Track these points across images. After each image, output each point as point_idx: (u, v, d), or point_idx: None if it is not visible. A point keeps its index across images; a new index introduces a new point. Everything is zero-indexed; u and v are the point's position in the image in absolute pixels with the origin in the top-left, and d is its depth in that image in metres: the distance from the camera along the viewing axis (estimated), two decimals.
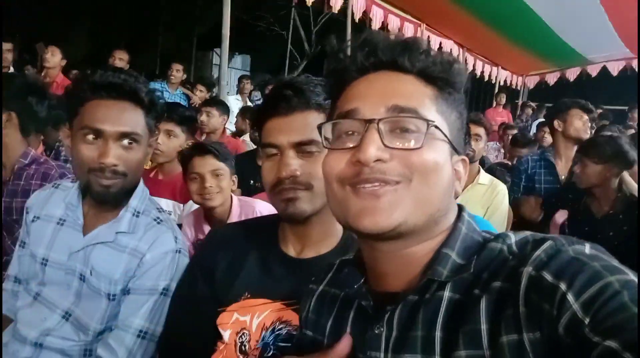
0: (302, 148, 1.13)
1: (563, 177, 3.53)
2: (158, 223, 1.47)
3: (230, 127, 5.88)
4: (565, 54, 9.83)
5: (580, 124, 3.46)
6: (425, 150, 0.73)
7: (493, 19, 7.85)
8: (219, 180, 2.20)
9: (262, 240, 1.26)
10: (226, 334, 1.18)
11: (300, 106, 1.14)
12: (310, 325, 0.94)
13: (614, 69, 10.21)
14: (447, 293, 0.73)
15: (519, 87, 11.58)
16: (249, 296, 1.18)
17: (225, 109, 4.31)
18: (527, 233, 0.75)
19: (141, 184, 1.50)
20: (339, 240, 1.22)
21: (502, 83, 11.30)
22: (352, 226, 0.76)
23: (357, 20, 7.06)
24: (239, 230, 1.33)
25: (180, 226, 2.39)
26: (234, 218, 2.22)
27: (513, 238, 0.75)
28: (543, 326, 0.62)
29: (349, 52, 0.82)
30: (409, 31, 8.11)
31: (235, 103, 6.90)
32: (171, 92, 5.96)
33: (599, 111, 9.10)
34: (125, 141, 1.37)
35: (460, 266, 0.75)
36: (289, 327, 1.14)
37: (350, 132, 0.77)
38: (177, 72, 6.10)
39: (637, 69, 9.59)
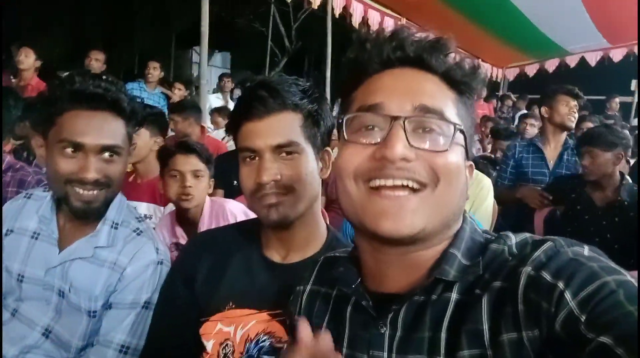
0: (281, 150, 1.10)
1: (551, 162, 3.56)
2: (138, 234, 1.42)
3: (212, 126, 5.81)
4: (544, 46, 9.90)
5: (566, 111, 3.45)
6: (450, 154, 0.73)
7: (472, 12, 7.87)
8: (198, 181, 2.15)
9: (244, 245, 1.22)
10: (209, 345, 1.15)
11: (276, 107, 1.10)
12: None
13: (592, 59, 10.28)
14: (454, 295, 0.73)
15: (499, 80, 11.65)
16: (233, 306, 1.14)
17: (188, 110, 4.18)
18: (527, 234, 0.76)
19: (119, 195, 1.45)
20: (324, 242, 1.20)
21: None
22: (370, 228, 0.73)
23: (337, 16, 7.03)
24: (220, 236, 1.28)
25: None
26: (206, 218, 2.19)
27: (513, 239, 0.75)
28: (541, 324, 0.63)
29: (374, 43, 0.80)
30: (389, 26, 8.07)
31: (216, 101, 6.84)
32: (149, 92, 5.85)
33: (615, 101, 9.25)
34: (107, 154, 1.31)
35: (466, 266, 0.75)
36: (272, 339, 1.11)
37: (370, 127, 0.75)
38: (155, 70, 5.98)
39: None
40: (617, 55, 10.01)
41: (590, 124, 5.45)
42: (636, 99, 9.99)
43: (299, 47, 18.64)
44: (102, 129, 1.30)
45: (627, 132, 2.81)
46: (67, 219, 1.40)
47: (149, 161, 2.65)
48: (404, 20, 8.41)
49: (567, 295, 0.61)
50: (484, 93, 9.74)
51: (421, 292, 0.75)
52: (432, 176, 0.72)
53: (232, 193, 3.10)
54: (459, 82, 0.78)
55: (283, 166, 1.09)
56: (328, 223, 1.27)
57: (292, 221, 1.13)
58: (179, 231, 2.23)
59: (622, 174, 2.83)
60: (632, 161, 4.23)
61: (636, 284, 0.60)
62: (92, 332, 1.35)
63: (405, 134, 0.71)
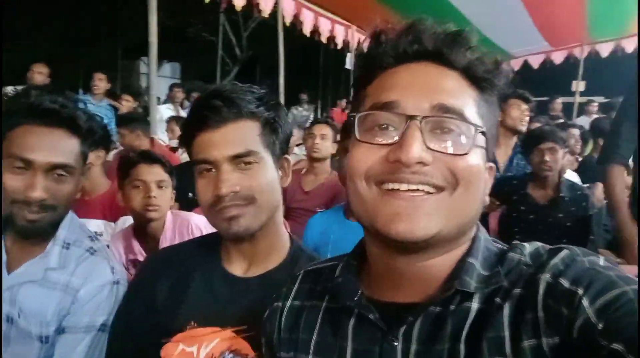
0: (239, 160, 1.05)
1: (502, 165, 3.61)
2: (92, 253, 1.35)
3: (163, 137, 5.67)
4: (488, 50, 10.18)
5: (518, 114, 3.51)
6: (470, 157, 0.68)
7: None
8: (162, 192, 2.08)
9: (204, 261, 1.17)
10: None
11: (231, 116, 1.06)
12: (285, 345, 0.86)
13: (535, 62, 10.69)
14: (474, 305, 0.70)
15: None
16: (195, 325, 1.10)
17: (135, 123, 4.13)
18: (538, 244, 0.74)
19: (70, 213, 1.38)
20: (288, 253, 1.17)
21: None
22: (382, 231, 0.69)
23: (287, 24, 7.03)
24: (179, 252, 1.24)
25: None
26: (168, 233, 2.12)
27: (527, 248, 0.73)
28: (560, 330, 0.62)
29: (390, 35, 0.75)
30: (339, 33, 8.18)
31: (166, 112, 6.70)
32: (96, 104, 5.68)
33: (557, 103, 9.60)
34: (56, 173, 1.25)
35: (486, 277, 0.71)
36: (238, 356, 1.07)
37: (384, 126, 0.70)
38: (100, 81, 5.83)
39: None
40: (558, 57, 10.45)
41: (537, 124, 5.67)
42: (577, 100, 10.41)
43: (251, 56, 18.58)
44: (54, 146, 1.24)
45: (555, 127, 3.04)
46: (15, 240, 1.32)
47: (94, 177, 2.56)
48: (354, 29, 8.52)
49: (585, 302, 0.60)
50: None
51: (438, 303, 0.71)
52: (450, 179, 0.68)
53: (188, 206, 3.03)
54: (481, 79, 0.72)
55: (242, 177, 1.05)
56: (288, 230, 1.24)
57: (254, 233, 1.09)
58: (137, 246, 2.14)
59: (559, 172, 2.96)
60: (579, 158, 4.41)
61: None
62: None
63: (422, 135, 0.67)
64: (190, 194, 3.25)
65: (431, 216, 0.67)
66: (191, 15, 16.76)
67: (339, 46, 8.51)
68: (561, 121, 6.55)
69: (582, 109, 9.93)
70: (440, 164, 0.67)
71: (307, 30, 7.41)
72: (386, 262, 0.76)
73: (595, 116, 9.00)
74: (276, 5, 6.61)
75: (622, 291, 0.60)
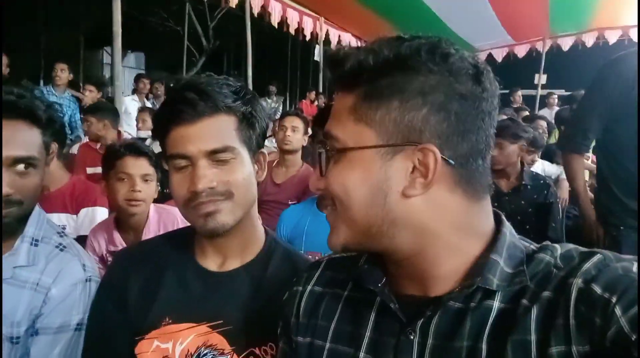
0: (216, 156, 1.03)
1: None
2: (61, 250, 1.31)
3: (129, 129, 5.57)
4: (458, 44, 10.32)
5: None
6: (328, 176, 0.75)
7: (385, 10, 8.05)
8: (147, 186, 2.04)
9: (177, 255, 1.15)
10: None
11: (208, 111, 1.02)
12: (303, 330, 0.86)
13: (499, 56, 10.89)
14: (496, 303, 0.69)
15: None
16: (170, 321, 1.08)
17: (104, 112, 4.03)
18: (571, 245, 0.73)
19: (37, 208, 1.33)
20: (263, 246, 1.16)
21: None
22: None
23: (255, 15, 6.97)
24: (150, 247, 1.21)
25: (79, 238, 2.25)
26: (152, 226, 2.08)
27: (559, 250, 0.72)
28: (593, 338, 0.60)
29: None
30: (308, 25, 8.16)
31: (132, 104, 6.55)
32: (58, 95, 5.51)
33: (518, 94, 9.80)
34: (20, 167, 1.20)
35: (510, 275, 0.70)
36: (214, 352, 1.06)
37: None
38: (62, 72, 5.62)
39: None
40: (521, 51, 10.67)
41: (503, 116, 5.81)
42: (539, 92, 10.67)
43: (217, 47, 18.33)
44: (14, 139, 1.18)
45: (506, 120, 3.12)
46: None
47: (52, 170, 2.49)
48: (322, 20, 8.52)
49: (618, 311, 0.59)
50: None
51: (458, 298, 0.71)
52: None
53: (162, 199, 3.00)
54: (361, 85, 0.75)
55: (219, 172, 1.03)
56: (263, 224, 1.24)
57: (230, 229, 1.07)
58: (118, 238, 2.10)
59: (522, 162, 3.09)
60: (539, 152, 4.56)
61: None
62: None
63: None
64: (166, 190, 3.22)
65: (333, 231, 0.77)
66: (155, 3, 16.44)
67: (307, 38, 8.49)
68: (527, 113, 6.70)
69: (543, 102, 10.19)
70: None
71: (275, 21, 7.36)
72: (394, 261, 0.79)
73: (556, 108, 9.26)
74: None
75: None
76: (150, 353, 1.08)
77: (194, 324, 1.07)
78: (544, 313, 0.65)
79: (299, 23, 7.94)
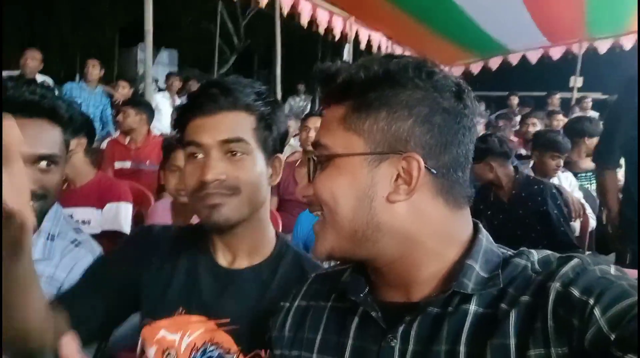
0: (229, 146, 1.05)
1: None
2: (76, 245, 1.35)
3: (158, 125, 5.65)
4: (488, 45, 10.19)
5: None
6: (316, 182, 0.78)
7: (418, 11, 7.99)
8: None
9: (193, 247, 1.17)
10: (151, 351, 1.09)
11: (227, 106, 1.06)
12: (287, 344, 0.88)
13: (533, 57, 10.67)
14: (472, 307, 0.71)
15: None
16: (183, 312, 1.09)
17: (143, 107, 4.16)
18: (548, 251, 0.75)
19: (55, 204, 1.37)
20: (274, 249, 1.16)
21: None
22: None
23: (285, 15, 7.00)
24: (170, 234, 1.22)
25: (99, 235, 2.31)
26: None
27: (536, 255, 0.74)
28: (571, 341, 0.62)
29: None
30: (337, 25, 8.14)
31: (162, 101, 6.66)
32: (90, 91, 5.63)
33: (514, 98, 9.60)
34: (43, 164, 1.24)
35: (485, 279, 0.73)
36: (219, 350, 1.06)
37: None
38: (94, 68, 5.74)
39: None
40: (556, 53, 10.43)
41: (535, 120, 5.62)
42: (575, 95, 10.42)
43: (248, 45, 18.50)
44: (38, 138, 1.23)
45: (492, 141, 2.98)
46: None
47: (78, 165, 2.55)
48: (352, 20, 8.49)
49: (597, 312, 0.60)
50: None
51: (436, 303, 0.73)
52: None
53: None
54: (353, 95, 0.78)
55: (230, 166, 1.05)
56: (280, 223, 1.24)
57: (234, 225, 1.08)
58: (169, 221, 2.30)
59: (516, 168, 3.01)
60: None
61: None
62: None
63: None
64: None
65: (321, 240, 0.79)
66: (189, 2, 16.69)
67: (337, 38, 8.47)
68: (560, 116, 6.50)
69: (579, 105, 9.94)
70: None
71: (304, 21, 7.37)
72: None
73: (590, 112, 9.01)
74: None
75: (634, 301, 0.60)
76: (155, 341, 1.08)
77: (205, 318, 1.08)
78: (523, 317, 0.67)
79: (329, 23, 7.92)
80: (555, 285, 0.66)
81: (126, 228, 2.54)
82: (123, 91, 6.13)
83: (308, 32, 8.25)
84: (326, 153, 0.76)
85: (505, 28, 9.07)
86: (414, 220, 0.74)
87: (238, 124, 1.06)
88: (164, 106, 6.42)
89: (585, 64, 10.31)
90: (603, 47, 9.77)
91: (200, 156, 1.06)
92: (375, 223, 0.74)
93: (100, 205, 2.55)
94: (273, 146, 1.12)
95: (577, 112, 9.15)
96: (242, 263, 1.14)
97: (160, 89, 8.09)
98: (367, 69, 0.74)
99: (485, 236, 0.79)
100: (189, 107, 1.10)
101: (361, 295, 0.80)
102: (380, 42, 9.52)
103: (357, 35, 8.77)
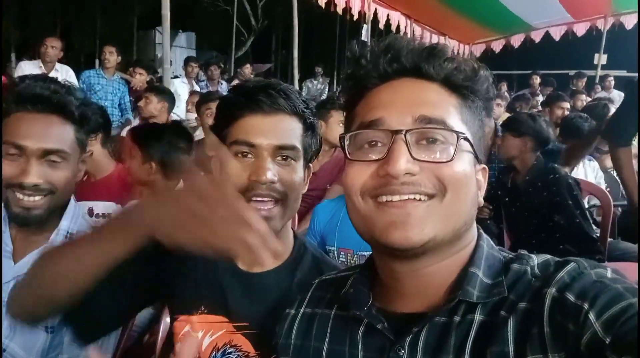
0: (281, 152, 1.05)
1: None
2: None
3: (177, 111, 5.67)
4: (509, 22, 9.97)
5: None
6: (456, 163, 0.72)
7: None
8: None
9: None
10: (178, 346, 1.10)
11: (286, 108, 1.06)
12: (295, 352, 0.88)
13: (556, 34, 10.41)
14: (477, 316, 0.71)
15: (466, 56, 11.77)
16: (205, 310, 1.09)
17: (166, 96, 4.17)
18: (548, 256, 0.75)
19: (72, 202, 1.38)
20: (292, 250, 1.16)
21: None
22: (380, 241, 0.73)
23: None
24: None
25: None
26: None
27: (535, 259, 0.74)
28: (568, 345, 0.62)
29: (369, 57, 0.78)
30: (355, 4, 8.02)
31: (181, 86, 6.66)
32: (108, 78, 5.62)
33: (536, 78, 9.33)
34: (51, 158, 1.25)
35: (489, 286, 0.73)
36: (238, 352, 1.07)
37: (373, 143, 0.75)
38: (111, 55, 5.67)
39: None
40: (580, 29, 10.16)
41: (566, 105, 5.26)
42: (599, 73, 10.15)
43: (266, 27, 18.37)
44: (45, 132, 1.25)
45: (542, 123, 2.91)
46: (18, 230, 1.33)
47: (96, 159, 2.55)
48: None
49: (592, 317, 0.60)
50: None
51: (442, 313, 0.73)
52: (439, 187, 0.71)
53: None
54: (461, 87, 0.76)
55: (280, 170, 1.05)
56: (296, 221, 1.23)
57: (279, 231, 1.08)
58: None
59: (538, 156, 2.93)
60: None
61: None
62: (50, 348, 1.29)
63: (408, 148, 0.71)
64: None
65: (424, 222, 0.70)
66: None
67: (355, 17, 8.35)
68: (584, 96, 6.30)
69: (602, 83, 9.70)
70: (428, 172, 0.71)
71: (322, 1, 7.27)
72: (391, 272, 0.78)
73: (613, 91, 8.76)
74: None
75: (629, 304, 0.60)
76: (180, 335, 1.10)
77: (226, 320, 1.08)
78: (520, 323, 0.67)
79: (347, 2, 7.80)
80: (551, 291, 0.66)
81: None
82: (141, 77, 6.13)
83: (326, 12, 8.14)
84: (462, 135, 0.73)
85: (527, 4, 8.86)
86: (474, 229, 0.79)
87: (293, 129, 1.07)
88: (183, 91, 6.41)
89: (610, 41, 10.02)
90: (629, 22, 9.45)
91: (250, 156, 1.05)
92: (471, 222, 0.76)
93: (120, 199, 2.55)
94: (312, 155, 1.13)
95: (600, 92, 8.93)
96: (261, 266, 1.12)
97: (176, 76, 8.06)
98: (474, 70, 0.77)
99: (485, 241, 0.79)
100: (245, 102, 1.07)
101: (365, 308, 0.79)
102: (399, 21, 9.36)
103: (375, 15, 8.63)
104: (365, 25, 8.70)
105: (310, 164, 1.16)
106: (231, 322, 1.08)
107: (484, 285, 0.72)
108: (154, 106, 4.03)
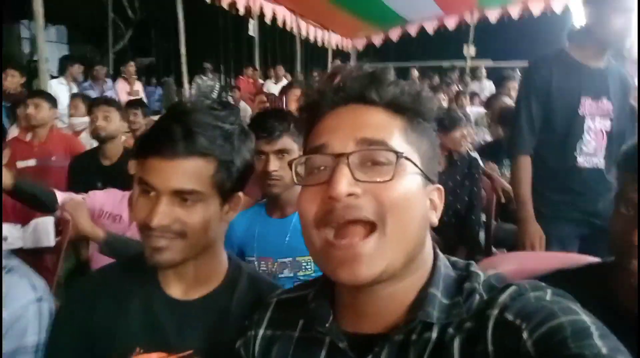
0: (181, 195, 1.02)
1: None
2: (7, 272, 1.28)
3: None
4: (388, 17, 10.47)
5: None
6: (396, 183, 0.72)
7: None
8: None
9: (142, 281, 1.14)
10: None
11: (186, 152, 1.01)
12: None
13: (430, 28, 11.13)
14: (434, 334, 0.73)
15: (349, 50, 12.14)
16: (141, 351, 1.07)
17: (54, 101, 3.92)
18: (490, 273, 0.79)
19: None
20: (226, 274, 1.16)
21: (334, 47, 11.76)
22: (333, 278, 0.75)
23: None
24: (113, 274, 1.19)
25: (17, 251, 2.19)
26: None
27: (482, 277, 0.78)
28: None
29: (318, 87, 0.83)
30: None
31: (60, 88, 6.16)
32: None
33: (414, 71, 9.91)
34: None
35: (447, 306, 0.75)
36: None
37: (322, 168, 0.76)
38: None
39: None
40: (451, 23, 10.95)
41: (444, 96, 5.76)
42: (469, 64, 11.05)
43: (145, 18, 17.52)
44: None
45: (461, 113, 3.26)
46: None
47: None
48: None
49: (525, 335, 0.64)
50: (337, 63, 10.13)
51: (402, 333, 0.74)
52: (380, 212, 0.72)
53: None
54: (405, 109, 0.78)
55: (180, 211, 1.02)
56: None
57: (179, 263, 1.07)
58: None
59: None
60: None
61: (588, 322, 0.64)
62: None
63: (350, 170, 0.72)
64: (99, 184, 3.13)
65: (373, 258, 0.71)
66: None
67: (241, 12, 8.30)
68: (456, 88, 6.89)
69: (473, 74, 10.60)
70: (369, 195, 0.72)
71: None
72: (349, 295, 0.81)
73: (484, 80, 9.61)
74: None
75: (558, 323, 0.64)
76: None
77: (165, 354, 1.07)
78: (466, 341, 0.71)
79: None
80: (494, 313, 0.70)
81: (50, 242, 2.41)
82: (13, 79, 5.61)
83: (210, 5, 7.99)
84: (404, 155, 0.74)
85: (403, 0, 9.38)
86: (427, 249, 0.80)
87: (194, 173, 1.01)
88: (62, 94, 5.94)
89: (478, 34, 10.93)
90: (493, 16, 10.37)
91: (152, 193, 1.03)
92: (422, 242, 0.78)
93: (20, 219, 2.40)
94: (232, 187, 1.08)
95: (471, 83, 9.77)
96: (195, 292, 1.13)
97: (52, 76, 7.48)
98: (418, 93, 0.80)
99: (442, 261, 0.81)
100: (148, 144, 1.04)
101: (327, 324, 0.80)
102: (285, 16, 9.46)
103: (261, 10, 8.65)
104: (252, 20, 8.68)
105: (239, 194, 1.12)
106: (173, 353, 1.07)
107: (442, 306, 0.75)
108: (46, 113, 3.75)
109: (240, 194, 1.13)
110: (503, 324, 0.68)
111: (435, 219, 0.80)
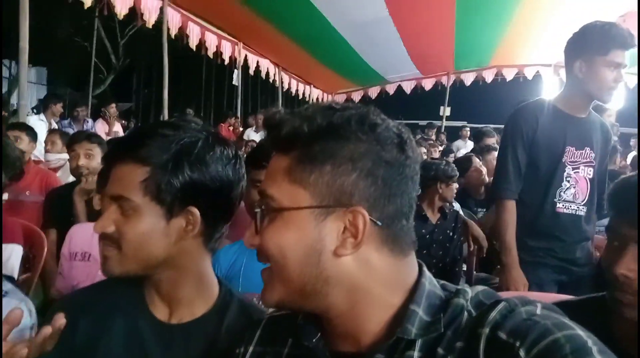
0: (117, 202, 1.00)
1: None
2: (4, 296, 1.24)
3: (35, 153, 5.21)
4: (367, 75, 10.86)
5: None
6: (266, 233, 0.76)
7: (304, 41, 8.30)
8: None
9: (128, 301, 1.09)
10: None
11: (118, 158, 1.01)
12: None
13: (407, 88, 11.55)
14: (416, 353, 0.72)
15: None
16: None
17: (34, 135, 3.88)
18: (479, 288, 0.79)
19: None
20: (217, 298, 1.12)
21: (314, 100, 12.04)
22: None
23: (173, 37, 6.88)
24: (98, 292, 1.14)
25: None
26: None
27: (470, 293, 0.77)
28: None
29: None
30: (226, 49, 8.16)
31: (39, 124, 6.11)
32: None
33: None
34: None
35: (428, 323, 0.74)
36: None
37: None
38: None
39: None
40: (428, 84, 11.39)
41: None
42: (444, 123, 11.42)
43: (127, 65, 17.72)
44: None
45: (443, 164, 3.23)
46: None
47: None
48: (240, 45, 8.56)
49: (522, 354, 0.63)
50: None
51: (383, 351, 0.73)
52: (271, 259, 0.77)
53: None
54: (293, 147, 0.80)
55: (121, 220, 1.01)
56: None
57: (122, 276, 1.03)
58: None
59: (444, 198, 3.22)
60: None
61: (584, 337, 0.64)
62: None
63: (256, 223, 0.78)
64: (72, 218, 3.05)
65: (269, 288, 0.78)
66: (61, 18, 15.65)
67: (226, 62, 8.48)
68: (440, 148, 7.10)
69: (449, 132, 10.92)
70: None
71: (193, 44, 7.30)
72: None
73: (468, 140, 9.88)
74: (161, 16, 6.45)
75: (554, 339, 0.64)
76: None
77: None
78: None
79: (217, 47, 7.93)
80: (485, 331, 0.69)
81: (15, 273, 2.22)
82: None
83: (194, 54, 8.16)
84: (274, 205, 0.75)
85: (384, 61, 9.75)
86: (362, 272, 0.75)
87: (124, 178, 0.99)
88: (41, 130, 5.89)
89: (453, 95, 11.35)
90: (468, 79, 10.83)
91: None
92: (324, 277, 0.74)
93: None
94: (180, 196, 1.01)
95: (457, 141, 10.11)
96: (183, 316, 1.09)
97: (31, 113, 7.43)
98: (310, 122, 0.74)
99: (427, 278, 0.79)
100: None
101: (314, 340, 0.81)
102: (269, 68, 9.69)
103: (245, 61, 8.86)
104: (236, 71, 8.85)
105: (192, 208, 1.03)
106: None
107: (423, 322, 0.74)
108: (25, 146, 3.70)
109: (194, 209, 1.03)
110: (496, 343, 0.67)
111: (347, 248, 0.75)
